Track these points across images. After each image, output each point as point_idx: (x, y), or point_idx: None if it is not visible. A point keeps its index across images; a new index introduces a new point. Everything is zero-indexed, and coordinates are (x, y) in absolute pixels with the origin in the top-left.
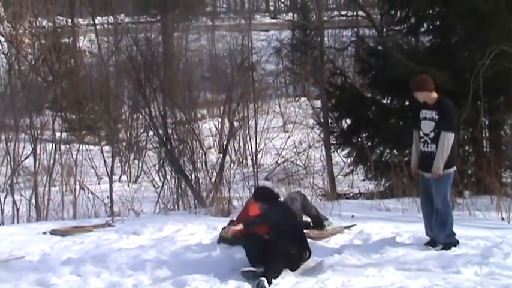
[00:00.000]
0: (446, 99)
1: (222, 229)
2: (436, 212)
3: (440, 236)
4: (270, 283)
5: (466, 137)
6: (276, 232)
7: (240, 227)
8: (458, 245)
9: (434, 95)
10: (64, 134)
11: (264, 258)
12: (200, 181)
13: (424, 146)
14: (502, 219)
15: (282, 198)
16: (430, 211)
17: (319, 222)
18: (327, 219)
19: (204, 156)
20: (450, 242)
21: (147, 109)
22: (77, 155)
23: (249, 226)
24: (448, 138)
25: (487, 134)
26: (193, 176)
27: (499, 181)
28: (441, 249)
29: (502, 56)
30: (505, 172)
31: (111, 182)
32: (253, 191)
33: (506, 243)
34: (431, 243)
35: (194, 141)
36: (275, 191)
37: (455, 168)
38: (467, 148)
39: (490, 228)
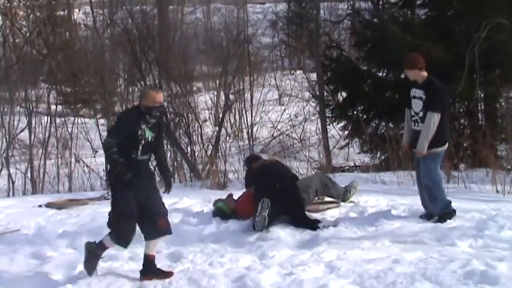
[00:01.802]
0: (435, 79)
1: (218, 200)
2: (426, 189)
3: (435, 208)
4: None
5: (461, 109)
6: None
7: None
8: (455, 215)
9: (424, 73)
10: (59, 107)
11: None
12: (196, 154)
13: (414, 125)
14: (497, 191)
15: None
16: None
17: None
18: (349, 190)
19: (199, 130)
20: (446, 213)
21: (142, 82)
22: (72, 128)
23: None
24: (434, 119)
25: (483, 107)
26: (188, 149)
27: (494, 154)
28: (437, 221)
29: (497, 28)
30: (500, 145)
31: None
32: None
33: (501, 216)
34: (428, 216)
35: (190, 114)
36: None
37: (445, 147)
38: (462, 121)
39: (485, 201)
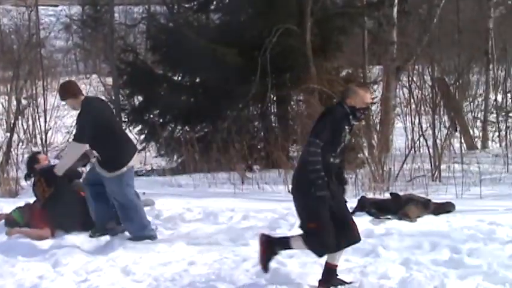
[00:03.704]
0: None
1: (15, 209)
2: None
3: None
4: None
5: (255, 112)
6: None
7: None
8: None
9: (80, 98)
10: None
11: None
12: None
13: None
14: (289, 191)
15: None
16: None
17: None
18: None
19: None
20: (143, 236)
21: None
22: None
23: None
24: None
25: (275, 110)
26: None
27: (286, 155)
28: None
29: (288, 34)
30: (291, 146)
31: None
32: None
33: (292, 215)
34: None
35: None
36: None
37: (124, 169)
38: (256, 123)
39: (278, 201)
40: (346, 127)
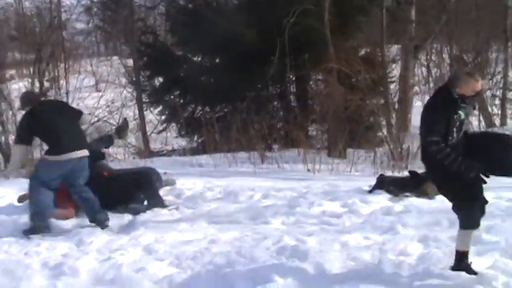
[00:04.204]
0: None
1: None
2: None
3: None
4: None
5: (274, 92)
6: None
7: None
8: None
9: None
10: None
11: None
12: (10, 142)
13: None
14: (308, 170)
15: None
16: None
17: None
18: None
19: (14, 118)
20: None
21: None
22: None
23: None
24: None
25: (294, 89)
26: (2, 138)
27: (305, 134)
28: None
29: (306, 14)
30: (311, 125)
31: None
32: None
33: (311, 193)
34: None
35: (3, 103)
36: None
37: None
38: (275, 103)
39: (297, 180)
40: (458, 111)
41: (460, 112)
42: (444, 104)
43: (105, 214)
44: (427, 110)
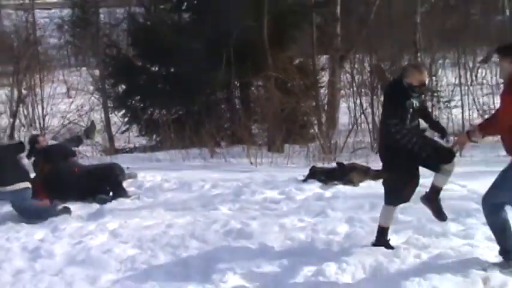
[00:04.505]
0: None
1: None
2: None
3: None
4: None
5: (221, 96)
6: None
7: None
8: None
9: None
10: None
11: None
12: None
13: None
14: (251, 163)
15: None
16: None
17: None
18: None
19: None
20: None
21: None
22: None
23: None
24: None
25: (239, 94)
26: None
27: (248, 133)
28: None
29: (248, 29)
30: (253, 125)
31: None
32: None
33: (254, 183)
34: None
35: None
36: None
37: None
38: (223, 106)
39: (241, 172)
40: (410, 98)
41: (412, 100)
42: (397, 93)
43: None
44: (385, 98)
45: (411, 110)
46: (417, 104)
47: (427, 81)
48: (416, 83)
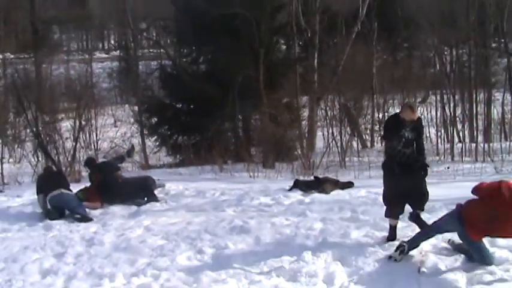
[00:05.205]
0: None
1: (79, 190)
2: None
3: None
4: None
5: (228, 126)
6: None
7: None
8: None
9: None
10: None
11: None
12: (61, 160)
13: None
14: (250, 176)
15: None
16: None
17: None
18: None
19: (63, 144)
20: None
21: (25, 114)
22: None
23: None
24: None
25: (241, 124)
26: (56, 157)
27: (248, 153)
28: None
29: (248, 77)
30: (252, 148)
31: (1, 163)
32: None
33: (252, 191)
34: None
35: (56, 135)
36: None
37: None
38: (229, 133)
39: (243, 183)
40: (402, 129)
41: (403, 131)
42: (391, 124)
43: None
44: (384, 126)
45: (403, 139)
46: (409, 136)
47: (415, 118)
48: (407, 118)
